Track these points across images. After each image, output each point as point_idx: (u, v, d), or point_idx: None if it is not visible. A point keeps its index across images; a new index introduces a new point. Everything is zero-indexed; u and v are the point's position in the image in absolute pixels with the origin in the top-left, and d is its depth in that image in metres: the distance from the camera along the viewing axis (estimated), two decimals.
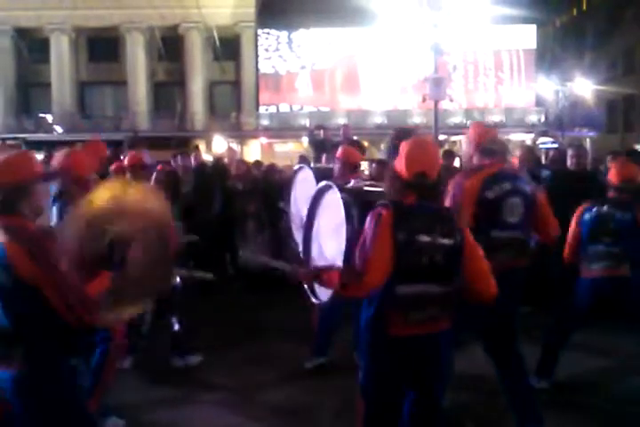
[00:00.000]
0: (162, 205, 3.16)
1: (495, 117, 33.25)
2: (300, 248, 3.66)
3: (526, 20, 31.87)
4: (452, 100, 20.06)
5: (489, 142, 4.12)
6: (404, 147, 3.16)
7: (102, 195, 3.06)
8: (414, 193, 3.05)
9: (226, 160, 11.41)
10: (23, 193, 2.80)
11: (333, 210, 3.34)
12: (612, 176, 4.95)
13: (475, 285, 3.15)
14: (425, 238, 2.98)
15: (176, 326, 5.99)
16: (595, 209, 4.90)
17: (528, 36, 34.08)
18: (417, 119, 31.83)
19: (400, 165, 3.11)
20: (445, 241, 3.02)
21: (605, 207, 4.86)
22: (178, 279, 5.37)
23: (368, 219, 3.03)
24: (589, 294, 4.94)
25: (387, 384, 3.09)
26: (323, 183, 3.53)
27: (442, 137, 15.94)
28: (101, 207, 2.99)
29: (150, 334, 5.81)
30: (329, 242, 3.38)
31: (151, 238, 3.00)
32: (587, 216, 4.91)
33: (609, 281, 4.85)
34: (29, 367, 2.70)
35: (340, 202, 3.26)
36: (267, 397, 5.08)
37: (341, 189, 3.47)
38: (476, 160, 4.16)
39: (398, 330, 3.01)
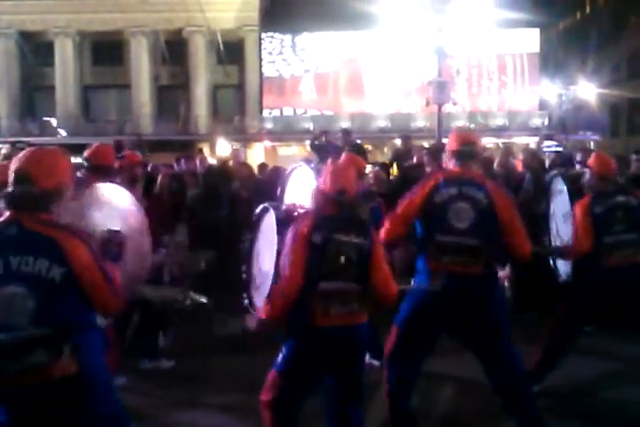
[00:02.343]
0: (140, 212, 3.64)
1: (498, 121, 33.27)
2: (244, 268, 4.19)
3: (530, 24, 31.85)
4: (455, 104, 20.08)
5: (461, 145, 4.11)
6: (327, 168, 3.67)
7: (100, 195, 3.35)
8: (334, 206, 3.53)
9: (231, 163, 11.38)
10: (60, 195, 2.80)
11: (269, 230, 3.88)
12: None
13: (379, 287, 3.57)
14: (340, 238, 3.45)
15: (162, 342, 5.98)
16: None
17: (532, 39, 34.06)
18: (420, 123, 31.86)
19: (324, 183, 3.59)
20: (358, 240, 3.48)
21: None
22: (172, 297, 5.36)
23: (289, 231, 3.50)
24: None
25: (307, 368, 3.53)
26: (260, 207, 4.12)
27: (445, 140, 15.91)
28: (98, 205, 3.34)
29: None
30: (266, 259, 3.88)
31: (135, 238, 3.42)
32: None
33: (628, 268, 4.82)
34: (79, 369, 2.68)
35: (274, 222, 3.80)
36: None
37: (278, 209, 4.00)
38: (452, 166, 4.16)
39: (322, 321, 3.43)
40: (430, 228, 3.96)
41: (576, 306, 4.99)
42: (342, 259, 3.44)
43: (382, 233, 4.08)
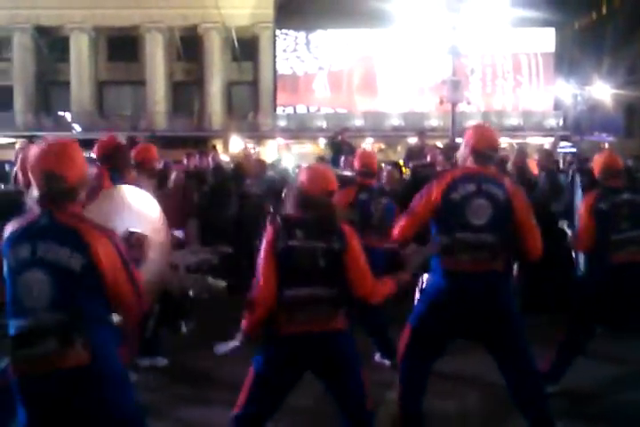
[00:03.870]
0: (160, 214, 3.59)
1: (513, 121, 33.15)
2: None
3: (545, 23, 31.71)
4: (469, 103, 20.08)
5: (485, 147, 4.03)
6: (303, 171, 3.61)
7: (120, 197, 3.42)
8: (302, 207, 3.45)
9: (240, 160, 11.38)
10: (84, 185, 2.86)
11: None
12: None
13: (357, 289, 3.45)
14: (304, 243, 3.35)
15: (184, 329, 5.97)
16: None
17: (547, 39, 33.96)
18: (434, 122, 31.79)
19: (302, 184, 3.51)
20: (324, 244, 3.36)
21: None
22: (191, 284, 5.37)
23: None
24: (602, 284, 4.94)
25: (275, 375, 3.43)
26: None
27: (459, 140, 15.88)
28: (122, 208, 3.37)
29: (167, 335, 5.84)
30: None
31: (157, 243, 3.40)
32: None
33: (631, 266, 4.84)
34: (91, 359, 2.70)
35: None
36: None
37: None
38: (469, 163, 4.08)
39: (286, 329, 3.36)
40: (446, 225, 3.92)
41: (585, 303, 5.02)
42: (307, 264, 3.34)
43: (395, 231, 4.04)
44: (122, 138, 5.95)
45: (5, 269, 2.78)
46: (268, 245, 3.39)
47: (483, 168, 4.01)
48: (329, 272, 3.38)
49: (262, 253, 3.42)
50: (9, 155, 14.40)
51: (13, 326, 2.73)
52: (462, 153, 4.14)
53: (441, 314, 3.95)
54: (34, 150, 2.83)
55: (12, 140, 29.14)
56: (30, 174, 2.80)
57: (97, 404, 2.73)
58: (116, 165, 4.92)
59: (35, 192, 2.78)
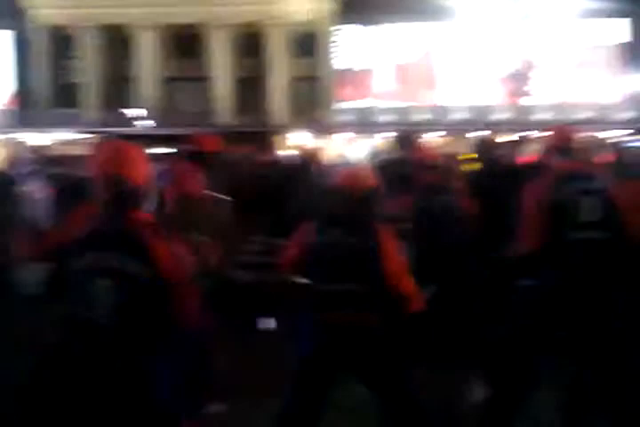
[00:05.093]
0: None
1: (584, 114, 32.27)
2: None
3: (619, 14, 30.84)
4: (536, 96, 19.60)
5: (566, 144, 4.03)
6: (340, 171, 3.77)
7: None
8: (340, 206, 3.56)
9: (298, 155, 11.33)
10: (148, 188, 2.87)
11: None
12: None
13: (395, 287, 3.49)
14: (336, 239, 3.45)
15: (272, 325, 5.99)
16: None
17: (620, 29, 32.99)
18: (500, 115, 31.22)
19: (339, 182, 3.67)
20: (355, 241, 3.44)
21: None
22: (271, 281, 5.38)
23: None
24: None
25: (318, 364, 3.48)
26: None
27: (526, 133, 15.56)
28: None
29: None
30: None
31: None
32: None
33: None
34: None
35: None
36: None
37: None
38: (553, 161, 4.05)
39: (322, 322, 3.44)
40: (557, 226, 3.77)
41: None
42: (339, 260, 3.42)
43: (523, 247, 3.89)
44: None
45: (70, 271, 2.76)
46: (301, 236, 3.58)
47: (578, 164, 3.99)
48: (360, 269, 3.44)
49: (293, 242, 3.63)
50: (77, 150, 14.73)
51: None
52: (545, 153, 4.16)
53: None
54: (100, 153, 2.85)
55: (80, 136, 29.90)
56: (96, 178, 2.79)
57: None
58: (211, 161, 5.01)
59: (100, 197, 2.77)
